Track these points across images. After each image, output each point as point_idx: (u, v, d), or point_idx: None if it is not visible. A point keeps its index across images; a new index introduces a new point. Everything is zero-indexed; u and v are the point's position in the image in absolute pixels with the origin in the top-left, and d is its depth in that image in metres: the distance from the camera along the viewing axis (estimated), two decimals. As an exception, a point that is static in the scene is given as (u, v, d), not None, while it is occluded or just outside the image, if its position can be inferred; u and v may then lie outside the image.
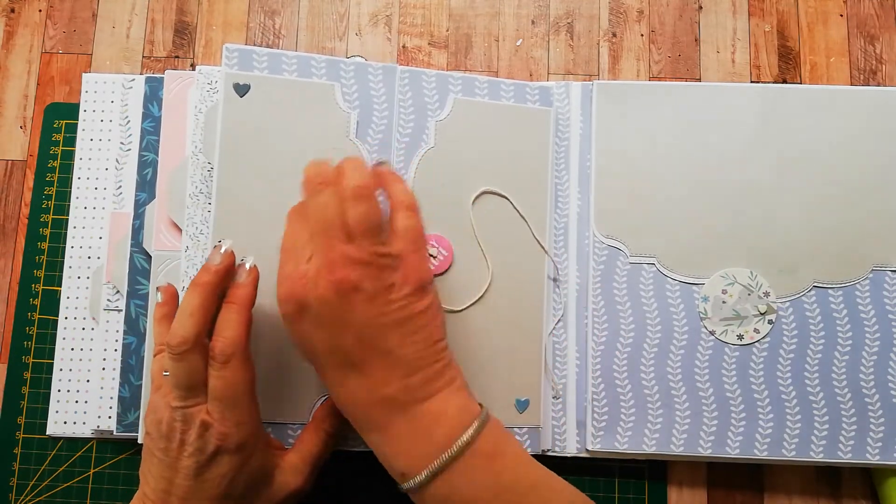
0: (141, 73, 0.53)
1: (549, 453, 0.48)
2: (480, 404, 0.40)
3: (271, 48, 0.51)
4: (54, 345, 0.49)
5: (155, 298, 0.44)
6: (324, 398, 0.45)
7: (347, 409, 0.40)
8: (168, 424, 0.38)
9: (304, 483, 0.42)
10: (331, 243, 0.38)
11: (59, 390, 0.48)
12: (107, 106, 0.51)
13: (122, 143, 0.50)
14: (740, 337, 0.48)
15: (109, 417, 0.47)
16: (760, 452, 0.47)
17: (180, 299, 0.43)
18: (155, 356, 0.42)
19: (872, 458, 0.47)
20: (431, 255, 0.47)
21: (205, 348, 0.39)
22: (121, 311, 0.47)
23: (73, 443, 0.49)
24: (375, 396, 0.38)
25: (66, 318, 0.49)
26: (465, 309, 0.47)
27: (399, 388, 0.38)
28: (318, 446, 0.43)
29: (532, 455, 0.41)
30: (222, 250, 0.41)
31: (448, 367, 0.39)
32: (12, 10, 0.54)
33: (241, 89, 0.46)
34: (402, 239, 0.39)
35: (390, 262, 0.38)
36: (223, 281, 0.40)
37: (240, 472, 0.39)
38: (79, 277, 0.49)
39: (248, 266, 0.41)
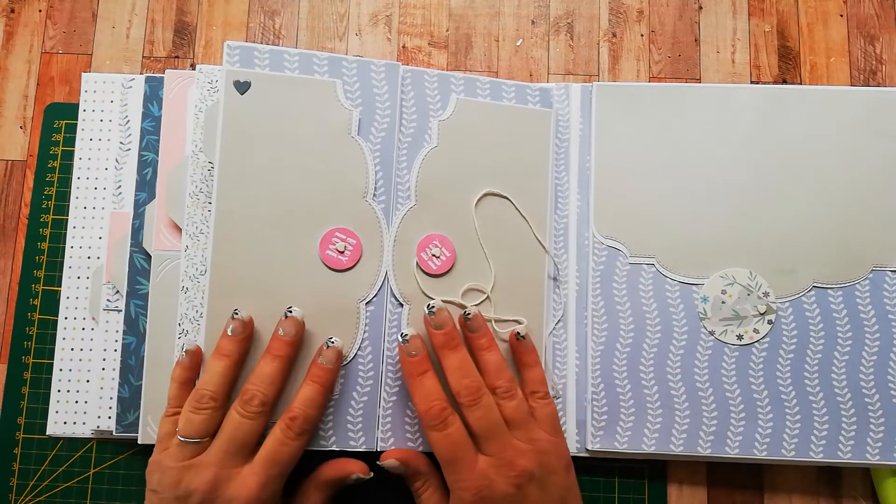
0: (141, 74, 0.53)
1: (550, 453, 0.48)
2: None
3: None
4: (54, 345, 0.49)
5: (178, 357, 0.43)
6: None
7: None
8: (187, 485, 0.39)
9: None
10: (501, 443, 0.41)
11: (58, 390, 0.48)
12: (106, 106, 0.51)
13: (121, 142, 0.50)
14: (740, 337, 0.48)
15: (109, 417, 0.47)
16: (760, 452, 0.47)
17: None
18: (166, 416, 0.42)
19: (872, 458, 0.47)
20: (434, 256, 0.47)
21: (269, 414, 0.42)
22: (120, 311, 0.47)
23: (73, 443, 0.49)
24: None
25: (65, 318, 0.49)
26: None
27: None
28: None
29: None
30: (294, 315, 0.43)
31: None
32: (12, 10, 0.54)
33: (242, 86, 0.45)
34: (548, 425, 0.43)
35: (546, 446, 0.42)
36: (297, 349, 0.43)
37: None
38: (79, 277, 0.49)
39: (335, 346, 0.43)
